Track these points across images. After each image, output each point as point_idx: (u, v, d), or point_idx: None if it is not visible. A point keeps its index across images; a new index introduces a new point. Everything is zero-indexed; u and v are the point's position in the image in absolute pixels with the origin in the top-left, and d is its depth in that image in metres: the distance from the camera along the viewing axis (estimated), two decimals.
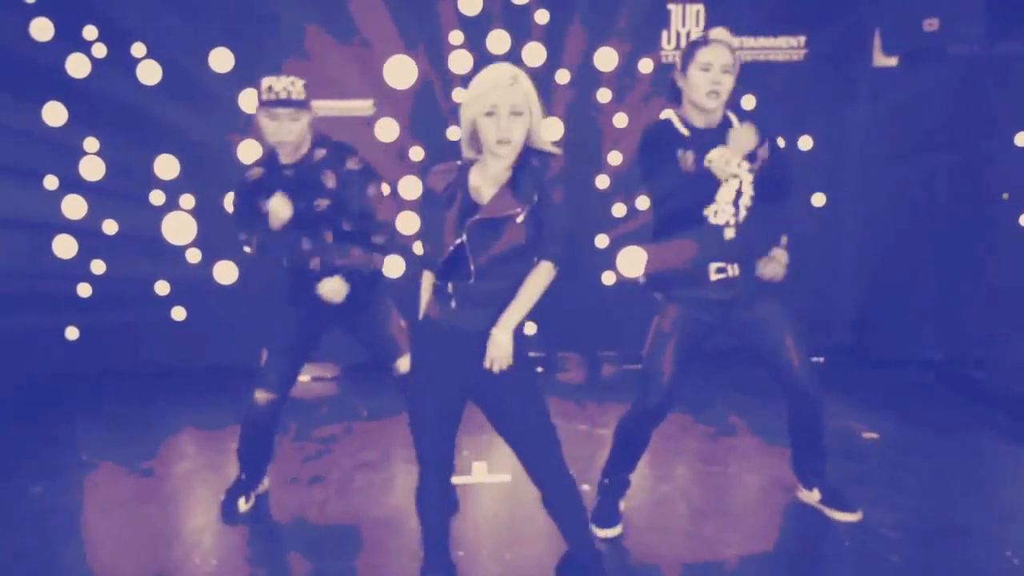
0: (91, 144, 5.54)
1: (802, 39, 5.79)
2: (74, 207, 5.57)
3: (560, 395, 5.33)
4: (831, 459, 3.90)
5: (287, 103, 3.53)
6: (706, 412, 5.03)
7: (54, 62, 5.35)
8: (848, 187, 6.00)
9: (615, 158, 5.79)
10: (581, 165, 5.69)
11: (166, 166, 5.56)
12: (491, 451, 4.53)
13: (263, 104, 3.54)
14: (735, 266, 3.48)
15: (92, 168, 5.55)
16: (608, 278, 5.89)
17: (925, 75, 5.56)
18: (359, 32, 5.52)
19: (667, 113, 3.52)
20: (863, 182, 5.98)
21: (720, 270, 3.47)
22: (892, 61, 5.66)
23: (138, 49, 5.44)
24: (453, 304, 2.85)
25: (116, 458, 4.58)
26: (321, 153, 3.69)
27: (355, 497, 4.12)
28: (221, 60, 5.43)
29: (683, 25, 5.68)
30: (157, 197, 5.61)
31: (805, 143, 5.77)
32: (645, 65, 5.70)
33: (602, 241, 5.86)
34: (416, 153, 5.64)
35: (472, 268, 2.79)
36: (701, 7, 5.66)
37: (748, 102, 5.36)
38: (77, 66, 5.39)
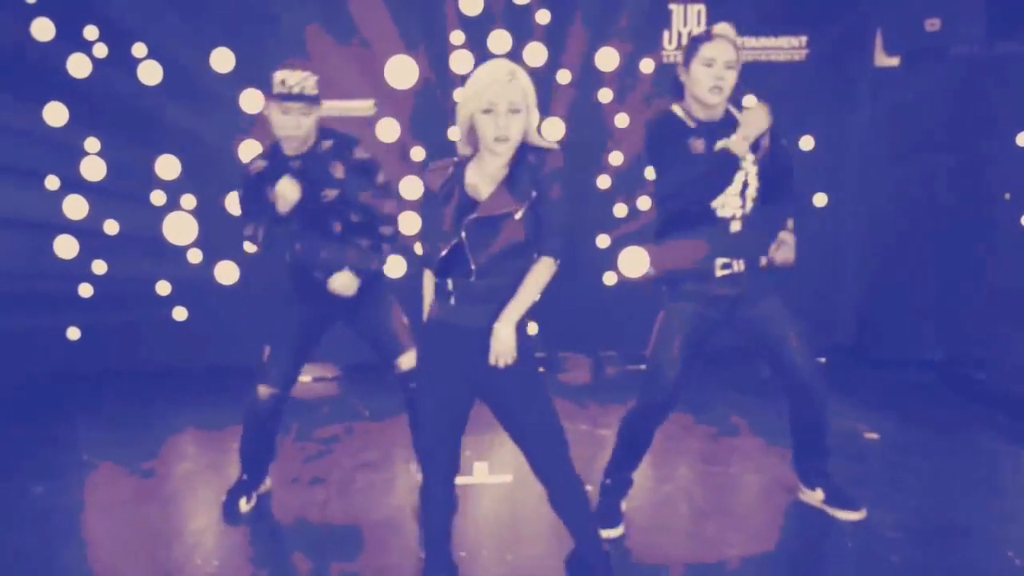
0: (92, 144, 5.53)
1: (803, 39, 5.79)
2: (75, 207, 5.56)
3: (561, 395, 5.30)
4: (833, 459, 3.89)
5: (300, 98, 3.54)
6: (708, 412, 5.03)
7: (55, 62, 5.34)
8: (849, 187, 6.00)
9: (616, 158, 5.79)
10: (582, 165, 5.69)
11: (167, 166, 5.55)
12: (492, 451, 4.53)
13: (276, 97, 3.53)
14: (740, 262, 3.48)
15: (93, 168, 5.54)
16: (609, 278, 5.88)
17: (926, 75, 5.56)
18: (360, 32, 5.52)
19: (670, 108, 3.52)
20: (864, 182, 5.98)
21: (725, 266, 3.48)
22: (893, 61, 5.66)
23: (139, 49, 5.43)
24: (452, 301, 2.85)
25: (117, 458, 4.58)
26: (328, 144, 3.70)
27: (356, 497, 4.12)
28: (222, 60, 5.42)
29: (684, 25, 5.69)
30: (158, 197, 5.61)
31: (806, 143, 5.76)
32: (646, 65, 5.69)
33: (603, 241, 5.85)
34: (417, 153, 5.64)
35: (472, 266, 2.79)
36: (702, 7, 5.67)
37: (749, 102, 5.35)
38: (78, 66, 5.38)
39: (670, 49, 5.71)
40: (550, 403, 2.98)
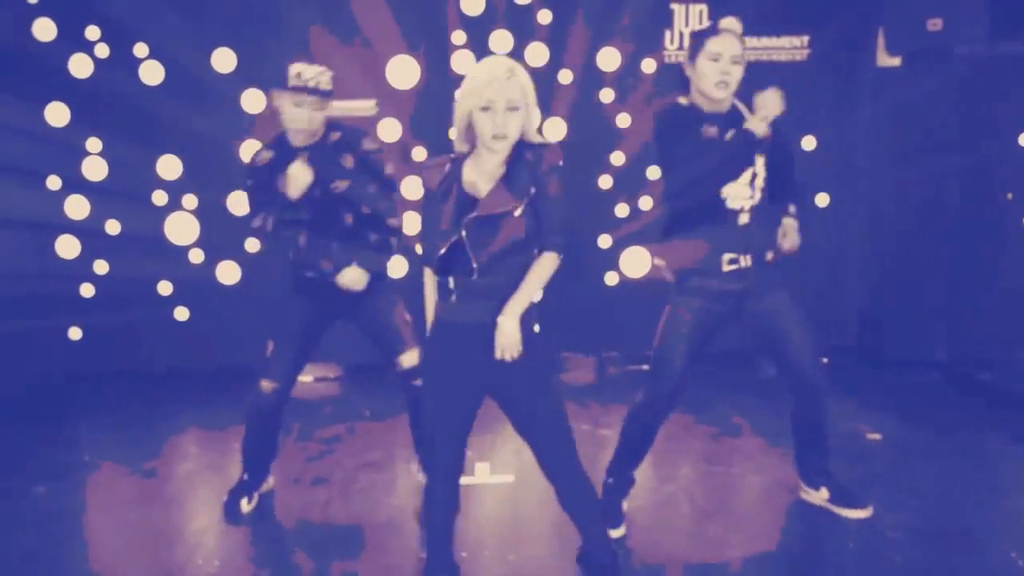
0: (94, 144, 5.54)
1: (805, 39, 5.78)
2: (77, 207, 5.57)
3: (563, 395, 5.31)
4: (835, 460, 3.89)
5: (315, 92, 3.54)
6: (709, 412, 5.02)
7: (57, 62, 5.35)
8: (851, 187, 5.99)
9: (618, 158, 5.78)
10: (584, 165, 5.68)
11: (169, 166, 5.56)
12: (494, 452, 4.53)
13: (290, 89, 3.53)
14: (747, 257, 3.48)
15: (95, 168, 5.55)
16: (611, 278, 5.88)
17: (928, 75, 5.55)
18: (361, 32, 5.51)
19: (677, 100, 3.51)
20: (866, 182, 5.97)
21: (732, 260, 3.47)
22: (895, 61, 5.65)
23: (140, 49, 5.43)
24: (454, 299, 2.85)
25: (119, 459, 4.58)
26: (336, 135, 3.71)
27: (358, 498, 4.11)
28: (223, 60, 5.43)
29: (686, 25, 5.68)
30: (160, 197, 5.61)
31: (808, 143, 5.76)
32: (648, 65, 5.69)
33: (605, 241, 5.85)
34: (419, 153, 5.64)
35: (474, 264, 2.79)
36: (704, 7, 5.66)
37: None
38: (80, 66, 5.39)
39: (672, 49, 5.71)
40: (558, 399, 2.98)
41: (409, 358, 3.85)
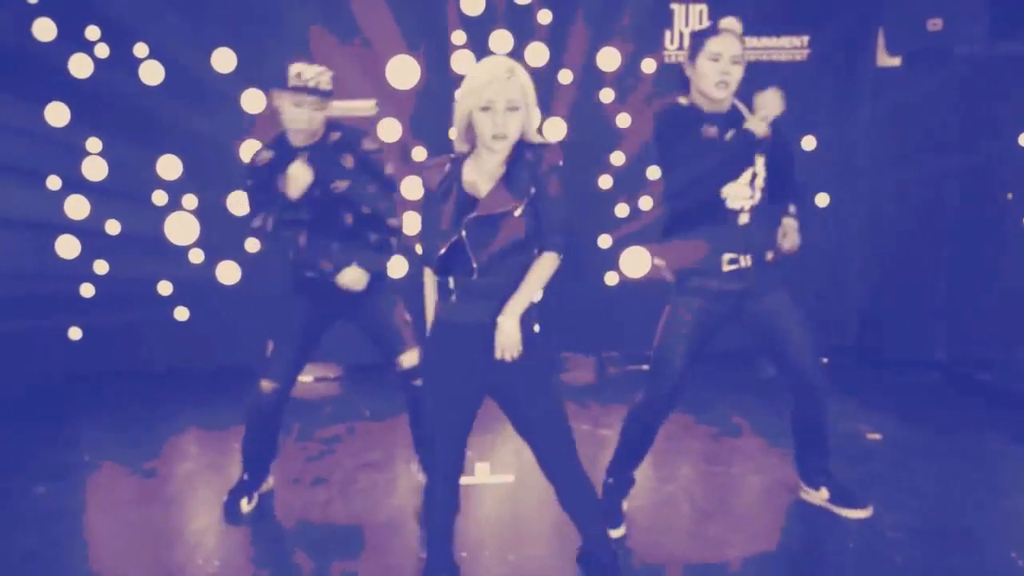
0: (94, 144, 5.54)
1: (805, 39, 5.78)
2: (77, 207, 5.57)
3: (563, 396, 5.31)
4: (835, 460, 3.89)
5: (315, 92, 3.54)
6: (709, 413, 5.02)
7: (57, 62, 5.35)
8: (851, 187, 5.99)
9: (618, 158, 5.78)
10: (584, 165, 5.68)
11: (168, 166, 5.56)
12: (494, 452, 4.53)
13: (291, 89, 3.53)
14: (747, 257, 3.48)
15: (95, 168, 5.55)
16: (611, 279, 5.88)
17: (928, 75, 5.55)
18: (361, 32, 5.51)
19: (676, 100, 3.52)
20: (867, 182, 5.97)
21: (732, 260, 3.48)
22: (895, 61, 5.65)
23: (140, 49, 5.43)
24: (454, 299, 2.85)
25: (119, 459, 4.58)
26: (336, 135, 3.71)
27: (358, 498, 4.11)
28: (223, 60, 5.43)
29: (686, 25, 5.68)
30: (160, 197, 5.61)
31: (808, 143, 5.76)
32: (648, 65, 5.69)
33: (605, 242, 5.85)
34: (419, 153, 5.64)
35: (474, 264, 2.79)
36: (704, 7, 5.66)
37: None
38: (80, 66, 5.39)
39: (672, 49, 5.70)
40: (558, 399, 2.98)
41: (409, 358, 3.85)
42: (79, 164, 5.52)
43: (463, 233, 2.77)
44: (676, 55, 5.69)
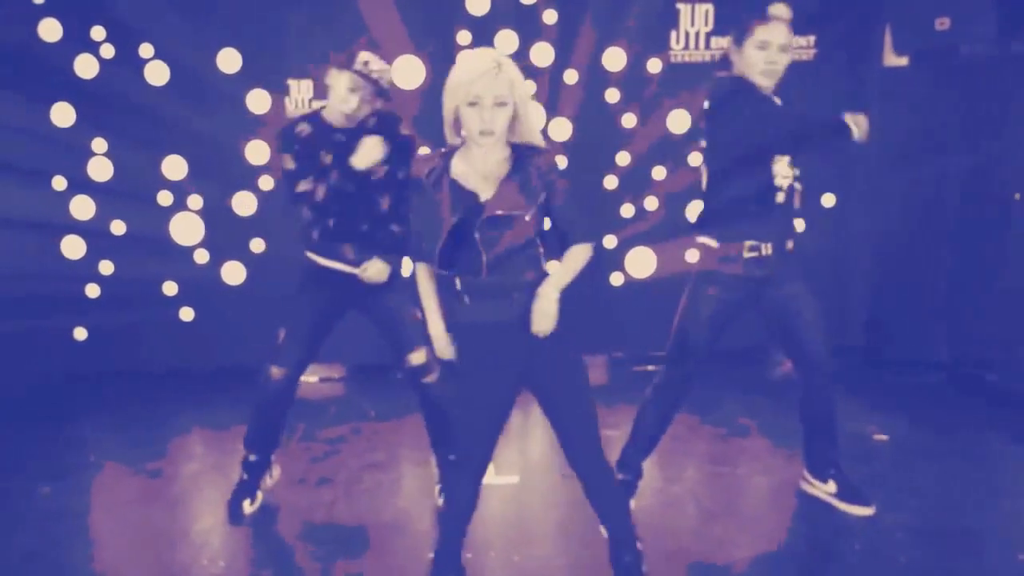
0: (99, 145, 5.54)
1: (811, 38, 5.76)
2: (82, 208, 5.58)
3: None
4: (842, 460, 3.87)
5: (375, 83, 3.59)
6: (716, 413, 5.00)
7: (62, 63, 5.36)
8: (858, 187, 5.97)
9: (623, 159, 5.77)
10: (589, 166, 5.67)
11: (174, 167, 5.56)
12: (499, 453, 4.50)
13: (354, 71, 3.55)
14: (768, 245, 3.48)
15: (100, 169, 5.56)
16: (616, 279, 5.87)
17: (936, 75, 5.53)
18: (368, 32, 5.50)
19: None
20: (873, 182, 5.94)
21: (753, 248, 3.47)
22: (903, 60, 5.63)
23: (146, 50, 5.44)
24: (467, 300, 2.84)
25: (124, 459, 4.58)
26: (373, 120, 3.72)
27: (363, 498, 4.11)
28: (229, 61, 5.43)
29: (692, 25, 5.66)
30: (165, 198, 5.61)
31: None
32: (654, 65, 5.67)
33: (610, 242, 5.84)
34: (424, 153, 5.62)
35: (484, 264, 2.77)
36: (710, 7, 5.64)
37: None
38: (85, 67, 5.40)
39: (677, 49, 5.69)
40: (588, 388, 2.99)
41: (418, 357, 3.84)
42: (84, 164, 5.53)
43: (476, 235, 2.76)
44: (682, 55, 5.68)
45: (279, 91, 5.52)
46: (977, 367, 5.60)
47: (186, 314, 5.78)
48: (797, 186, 3.52)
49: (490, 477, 4.23)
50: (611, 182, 5.81)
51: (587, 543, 3.51)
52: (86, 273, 5.65)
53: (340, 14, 5.48)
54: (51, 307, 5.58)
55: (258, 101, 5.46)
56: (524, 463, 4.43)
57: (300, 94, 5.55)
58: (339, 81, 3.59)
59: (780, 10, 3.37)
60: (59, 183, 5.54)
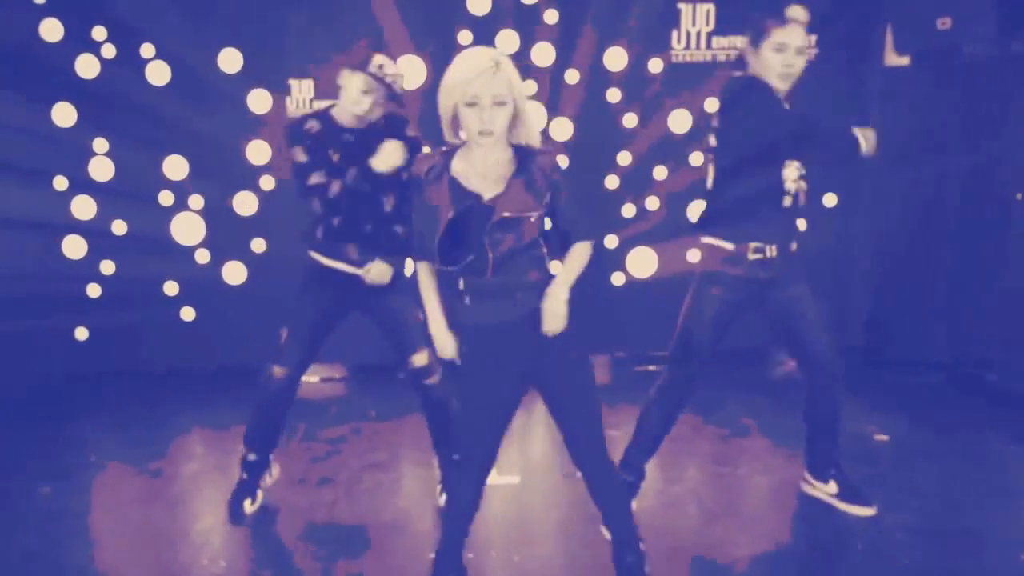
0: (100, 145, 5.55)
1: (813, 38, 5.74)
2: (83, 207, 5.58)
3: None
4: (843, 461, 3.87)
5: (388, 87, 3.60)
6: (719, 413, 5.00)
7: (63, 63, 5.36)
8: (859, 187, 5.96)
9: (625, 158, 5.76)
10: (591, 165, 5.67)
11: (175, 166, 5.56)
12: (500, 453, 4.50)
13: (368, 74, 3.55)
14: (772, 247, 3.48)
15: (101, 168, 5.56)
16: (618, 279, 5.86)
17: (938, 74, 5.52)
18: (369, 32, 5.50)
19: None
20: (875, 182, 5.94)
21: (758, 250, 3.46)
22: (904, 60, 5.62)
23: (147, 50, 5.44)
24: (467, 299, 2.84)
25: (125, 459, 4.58)
26: (381, 121, 3.73)
27: (363, 498, 4.11)
28: (230, 61, 5.44)
29: (693, 25, 5.66)
30: (166, 197, 5.61)
31: None
32: (655, 65, 5.67)
33: (611, 242, 5.83)
34: (425, 152, 5.62)
35: (490, 264, 2.78)
36: (711, 6, 5.64)
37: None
38: (86, 67, 5.40)
39: (679, 49, 5.69)
40: (594, 390, 3.00)
41: (420, 358, 3.84)
42: (86, 164, 5.53)
43: (486, 239, 2.76)
44: (683, 55, 5.67)
45: (280, 91, 5.52)
46: (977, 367, 5.60)
47: (187, 314, 5.78)
48: (802, 185, 3.52)
49: (491, 477, 4.24)
50: (612, 182, 5.81)
51: (588, 543, 3.51)
52: (87, 273, 5.65)
53: (341, 14, 5.48)
54: (52, 307, 5.58)
55: (259, 101, 5.46)
56: (525, 463, 4.43)
57: (301, 94, 5.55)
58: (352, 82, 3.59)
59: (798, 12, 3.36)
60: (60, 183, 5.54)
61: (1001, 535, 3.63)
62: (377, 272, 3.73)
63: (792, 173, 3.45)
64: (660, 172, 5.73)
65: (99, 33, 5.40)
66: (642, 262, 5.81)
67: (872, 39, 5.70)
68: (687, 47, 5.68)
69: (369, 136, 3.66)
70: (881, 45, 5.67)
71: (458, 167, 2.81)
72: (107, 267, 5.66)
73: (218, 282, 5.69)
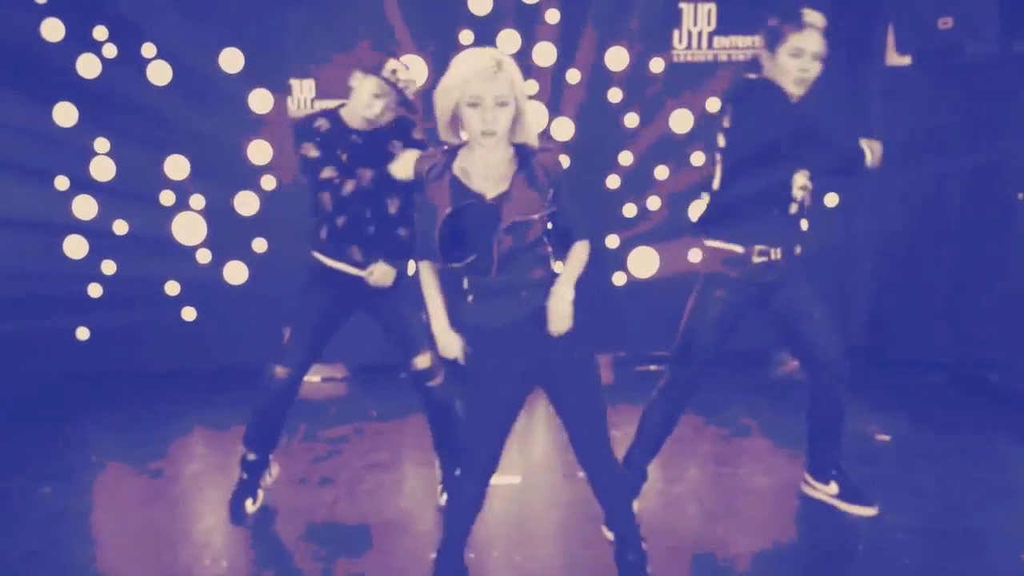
0: (101, 144, 5.55)
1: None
2: (85, 207, 5.58)
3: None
4: (844, 461, 3.87)
5: (400, 93, 3.59)
6: (719, 414, 4.99)
7: (65, 62, 5.37)
8: (860, 187, 5.95)
9: (626, 158, 5.76)
10: (592, 165, 5.67)
11: (176, 166, 5.56)
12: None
13: (381, 78, 3.54)
14: (777, 250, 3.47)
15: (103, 168, 5.56)
16: (619, 279, 5.86)
17: (939, 74, 5.52)
18: (369, 32, 5.50)
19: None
20: (876, 182, 5.92)
21: (762, 252, 3.46)
22: (905, 60, 5.62)
23: (148, 49, 5.44)
24: (470, 299, 2.83)
25: (126, 459, 4.58)
26: (389, 125, 3.72)
27: (364, 498, 4.11)
28: (231, 60, 5.44)
29: (695, 24, 5.66)
30: (167, 197, 5.61)
31: None
32: (656, 64, 5.67)
33: (612, 241, 5.83)
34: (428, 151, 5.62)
35: (495, 263, 2.77)
36: (712, 6, 5.63)
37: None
38: (88, 66, 5.41)
39: (680, 48, 5.68)
40: (599, 388, 3.01)
41: (423, 360, 3.84)
42: (87, 164, 5.53)
43: (496, 241, 2.75)
44: (684, 54, 5.67)
45: (281, 91, 5.52)
46: (979, 367, 5.60)
47: (188, 314, 5.78)
48: (808, 184, 3.51)
49: (493, 478, 4.25)
50: (613, 182, 5.81)
51: (588, 543, 3.51)
52: (88, 273, 5.66)
53: (341, 14, 5.48)
54: (53, 307, 5.58)
55: (260, 101, 5.46)
56: (526, 463, 4.42)
57: (302, 94, 5.56)
58: (364, 85, 3.58)
59: (815, 18, 3.34)
60: (61, 183, 5.54)
61: (1002, 535, 3.62)
62: (380, 274, 3.73)
63: (801, 179, 3.45)
64: (661, 172, 5.73)
65: (100, 33, 5.41)
66: (643, 262, 5.81)
67: (873, 39, 5.70)
68: (688, 47, 5.67)
69: (377, 139, 3.65)
70: (882, 45, 5.66)
71: (460, 166, 2.81)
72: (108, 267, 5.66)
73: (219, 282, 5.69)
